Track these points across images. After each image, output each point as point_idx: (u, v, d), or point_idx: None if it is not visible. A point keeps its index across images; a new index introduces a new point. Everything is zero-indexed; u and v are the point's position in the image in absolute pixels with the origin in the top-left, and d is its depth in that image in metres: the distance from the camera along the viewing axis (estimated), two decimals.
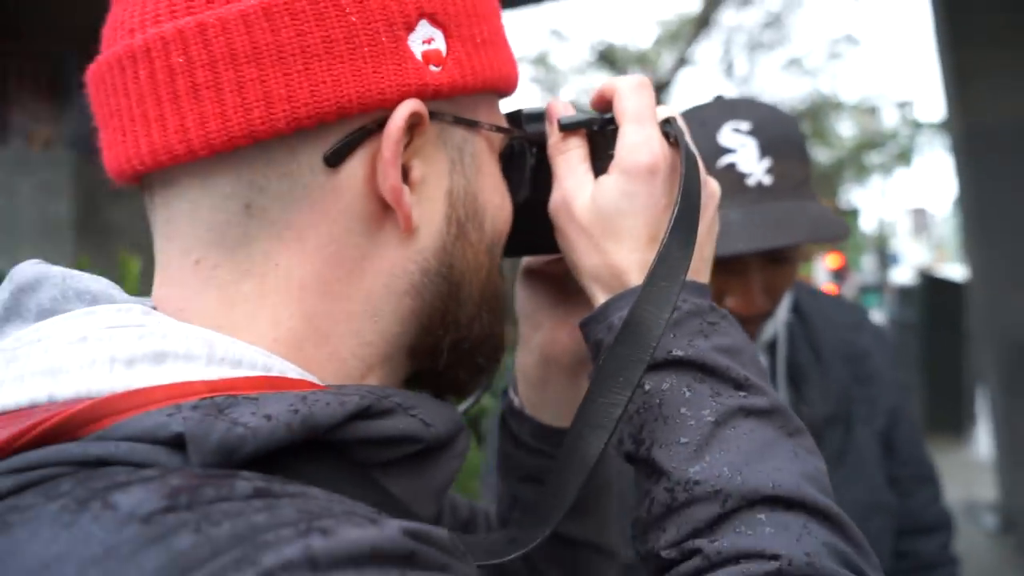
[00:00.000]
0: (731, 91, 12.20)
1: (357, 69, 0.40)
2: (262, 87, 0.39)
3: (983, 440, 6.82)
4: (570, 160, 0.53)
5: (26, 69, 7.19)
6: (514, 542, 0.47)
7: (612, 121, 0.53)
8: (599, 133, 0.53)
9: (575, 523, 0.64)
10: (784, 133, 0.91)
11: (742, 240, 0.85)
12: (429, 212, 0.45)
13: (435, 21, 0.43)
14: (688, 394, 0.46)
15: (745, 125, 0.90)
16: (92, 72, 0.43)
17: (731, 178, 0.88)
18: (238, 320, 0.41)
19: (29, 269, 0.42)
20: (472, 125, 0.47)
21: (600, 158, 0.52)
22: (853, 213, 15.82)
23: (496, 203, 0.49)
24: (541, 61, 12.31)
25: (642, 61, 12.41)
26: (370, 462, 0.40)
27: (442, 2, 0.43)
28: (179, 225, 0.42)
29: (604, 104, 0.54)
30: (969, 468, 5.93)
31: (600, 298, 0.50)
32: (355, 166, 0.42)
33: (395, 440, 0.40)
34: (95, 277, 0.43)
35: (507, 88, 0.50)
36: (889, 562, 1.04)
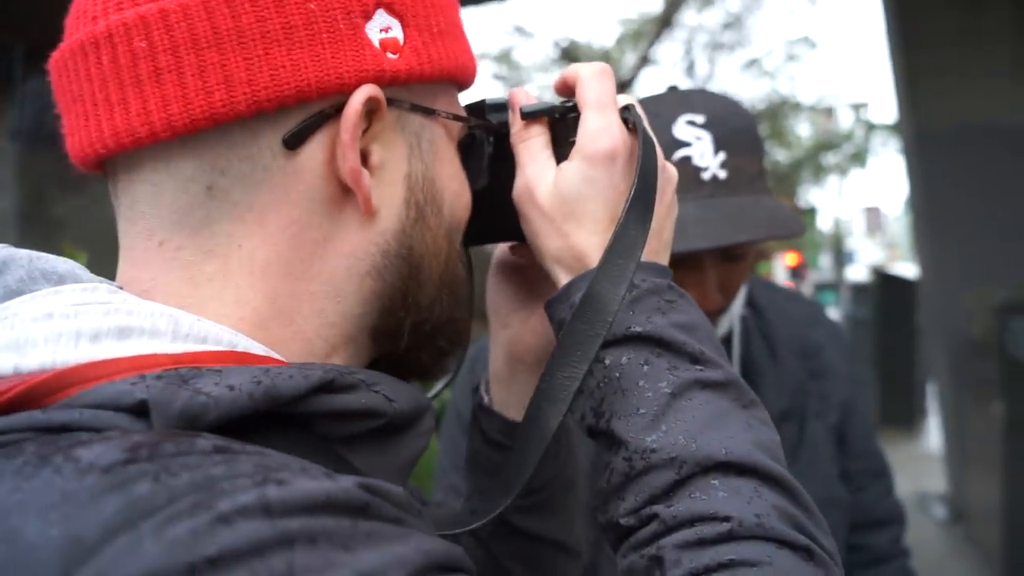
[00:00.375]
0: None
1: (316, 54, 0.42)
2: (223, 71, 0.40)
3: (933, 433, 7.01)
4: (532, 147, 0.54)
5: None
6: (476, 513, 0.48)
7: (574, 108, 0.53)
8: (561, 120, 0.54)
9: (541, 520, 0.66)
10: (739, 127, 0.90)
11: (698, 237, 0.84)
12: (389, 195, 0.46)
13: (392, 10, 0.44)
14: (646, 368, 0.47)
15: (700, 118, 0.88)
16: (55, 60, 0.44)
17: (687, 172, 0.87)
18: (203, 300, 0.43)
19: None
20: (429, 113, 0.48)
21: (562, 145, 0.53)
22: (811, 212, 16.14)
23: (454, 189, 0.51)
24: (504, 58, 12.29)
25: (605, 59, 12.47)
26: (334, 436, 0.41)
27: None
28: (143, 208, 0.43)
29: (567, 90, 0.56)
30: (920, 460, 6.09)
31: (563, 279, 0.52)
32: (315, 149, 0.43)
33: (358, 414, 0.42)
34: (61, 258, 0.44)
35: (464, 79, 0.51)
36: (842, 555, 1.05)
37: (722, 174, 0.87)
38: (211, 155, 0.42)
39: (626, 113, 0.53)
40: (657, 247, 0.53)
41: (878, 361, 7.80)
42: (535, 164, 0.53)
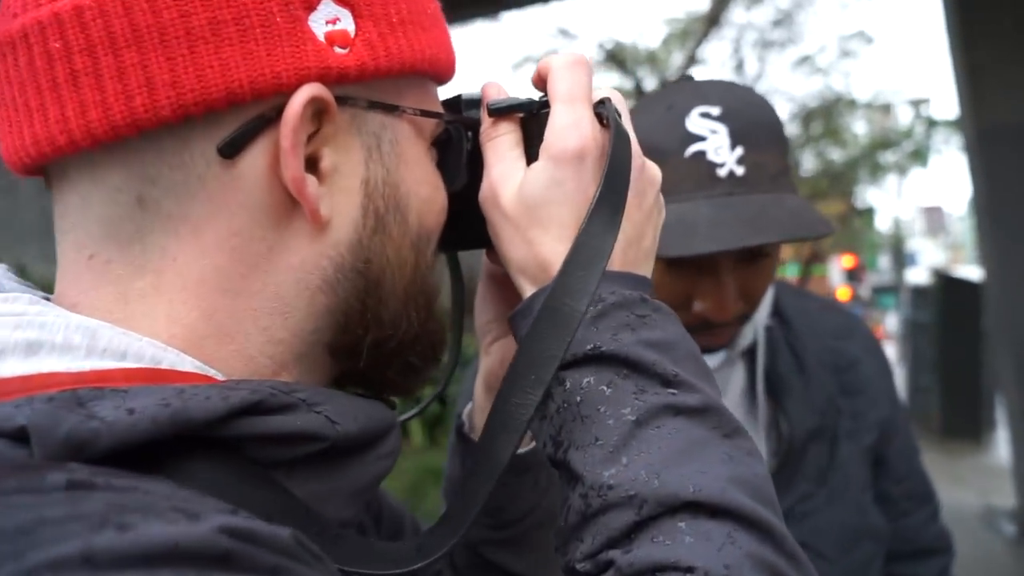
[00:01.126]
0: None
1: (248, 52, 0.38)
2: (144, 73, 0.37)
3: (1002, 445, 6.66)
4: (499, 146, 0.49)
5: None
6: (421, 550, 0.45)
7: (547, 103, 0.48)
8: (534, 117, 0.49)
9: (516, 556, 0.62)
10: (759, 119, 0.82)
11: (710, 240, 0.76)
12: (343, 204, 0.42)
13: (341, 0, 0.41)
14: (608, 391, 0.42)
15: (715, 110, 0.81)
16: None
17: (700, 168, 0.80)
18: (133, 317, 0.40)
19: None
20: (392, 110, 0.44)
21: (534, 144, 0.49)
22: (868, 212, 15.62)
23: (424, 195, 0.47)
24: None
25: (651, 60, 12.29)
26: (269, 461, 0.38)
27: None
28: (72, 219, 0.41)
29: (543, 84, 0.51)
30: (987, 474, 5.79)
31: (527, 291, 0.48)
32: (256, 156, 0.40)
33: (292, 437, 0.38)
34: None
35: (435, 71, 0.47)
36: None
37: (739, 170, 0.79)
38: (139, 164, 0.39)
39: (600, 107, 0.48)
40: (634, 256, 0.49)
41: (941, 368, 7.46)
42: (501, 164, 0.49)
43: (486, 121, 0.50)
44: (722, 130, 0.80)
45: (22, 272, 0.46)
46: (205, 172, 0.39)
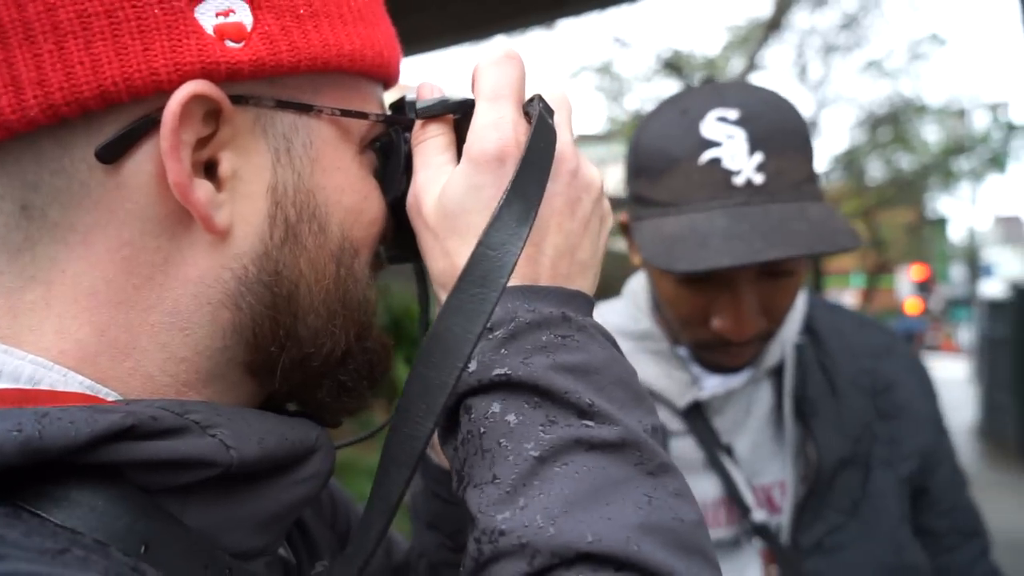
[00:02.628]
0: (806, 96, 11.77)
1: (122, 47, 0.35)
2: (8, 71, 0.35)
3: None
4: (426, 151, 0.46)
5: None
6: None
7: (474, 104, 0.45)
8: (465, 119, 0.45)
9: None
10: (780, 123, 0.77)
11: (725, 253, 0.71)
12: (245, 212, 0.39)
13: None
14: (514, 423, 0.39)
15: (733, 113, 0.76)
16: None
17: (715, 176, 0.75)
18: (20, 331, 0.38)
19: None
20: (305, 109, 0.41)
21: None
22: (940, 222, 14.94)
23: (348, 202, 0.43)
24: (605, 70, 12.13)
25: (709, 67, 12.06)
26: (156, 487, 0.36)
27: None
28: None
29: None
30: None
31: None
32: (141, 161, 0.37)
33: (176, 464, 0.35)
34: None
35: (361, 68, 0.43)
36: None
37: (758, 178, 0.74)
38: (18, 169, 0.37)
39: (528, 106, 0.44)
40: (567, 269, 0.45)
41: (1018, 386, 7.04)
42: (426, 170, 0.46)
43: (416, 124, 0.47)
44: (739, 135, 0.75)
45: None
46: (88, 178, 0.37)
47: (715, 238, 0.72)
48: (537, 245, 0.44)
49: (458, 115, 0.47)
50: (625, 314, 0.97)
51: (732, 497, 0.88)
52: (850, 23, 11.57)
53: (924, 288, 13.70)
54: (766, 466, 0.91)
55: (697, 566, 0.35)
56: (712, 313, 0.81)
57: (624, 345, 0.92)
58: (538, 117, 0.43)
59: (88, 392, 0.37)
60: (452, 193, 0.44)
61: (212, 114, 0.38)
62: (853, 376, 0.92)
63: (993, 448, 7.26)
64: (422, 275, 0.56)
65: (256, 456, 0.38)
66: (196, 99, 0.36)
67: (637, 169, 0.81)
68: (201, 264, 0.39)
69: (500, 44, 0.47)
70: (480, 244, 0.39)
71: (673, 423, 0.90)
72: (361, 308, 0.45)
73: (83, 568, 0.30)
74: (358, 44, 0.42)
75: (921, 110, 12.91)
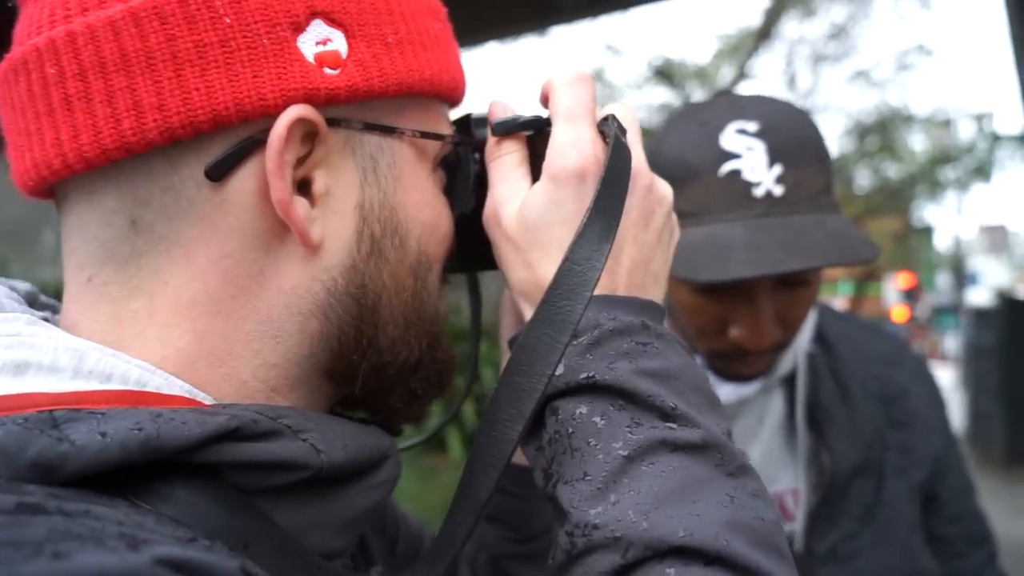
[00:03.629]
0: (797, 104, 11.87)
1: (234, 74, 0.38)
2: (132, 96, 0.38)
3: None
4: (502, 166, 0.48)
5: None
6: None
7: (550, 121, 0.47)
8: (539, 135, 0.48)
9: (538, 571, 0.62)
10: (799, 135, 0.78)
11: (744, 264, 0.72)
12: (336, 227, 0.42)
13: (332, 20, 0.40)
14: (601, 423, 0.40)
15: (752, 126, 0.77)
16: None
17: (735, 188, 0.76)
18: (125, 338, 0.40)
19: None
20: (389, 131, 0.44)
21: (539, 163, 0.47)
22: (926, 231, 15.10)
23: (425, 219, 0.46)
24: (597, 77, 12.23)
25: (700, 76, 12.15)
26: (252, 488, 0.38)
27: (341, 0, 0.41)
28: (73, 241, 0.42)
29: (547, 102, 0.50)
30: None
31: (528, 315, 0.47)
32: (245, 179, 0.40)
33: (272, 465, 0.38)
34: (3, 285, 0.44)
35: (437, 91, 0.46)
36: None
37: (778, 190, 0.75)
38: (131, 186, 0.40)
39: (604, 125, 0.46)
40: (641, 279, 0.47)
41: (1004, 393, 7.12)
42: (504, 184, 0.48)
43: (490, 140, 0.49)
44: (759, 147, 0.76)
45: (56, 291, 0.46)
46: (195, 195, 0.39)
47: (736, 249, 0.72)
48: (615, 257, 0.46)
49: (531, 132, 0.49)
50: None
51: None
52: (838, 33, 11.70)
53: (911, 296, 13.83)
54: (779, 474, 0.91)
55: (776, 563, 0.37)
56: (730, 323, 0.81)
57: None
58: (615, 137, 0.45)
59: (188, 396, 0.39)
60: (533, 207, 0.46)
61: (309, 135, 0.40)
62: (865, 384, 0.93)
63: (979, 455, 7.33)
64: (476, 287, 0.58)
65: (342, 460, 0.40)
66: (299, 122, 0.39)
67: None
68: (295, 276, 0.41)
69: (571, 67, 0.48)
70: (566, 259, 0.41)
71: None
72: (433, 320, 0.47)
73: (215, 554, 0.31)
74: (436, 69, 0.45)
75: (908, 120, 13.06)
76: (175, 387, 0.39)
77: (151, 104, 0.37)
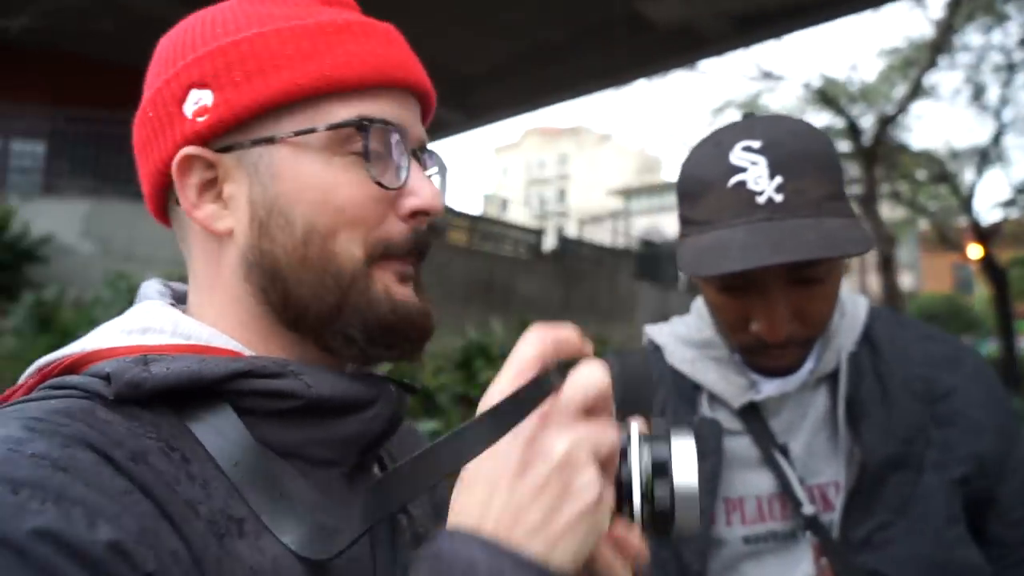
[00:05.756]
0: (982, 121, 10.86)
1: (158, 145, 0.59)
2: (144, 166, 0.62)
3: None
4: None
5: None
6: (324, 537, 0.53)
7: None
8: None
9: None
10: (800, 149, 0.87)
11: (738, 260, 0.82)
12: (241, 219, 0.58)
13: (201, 84, 0.57)
14: None
15: (757, 143, 0.87)
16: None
17: (741, 196, 0.86)
18: (205, 315, 0.61)
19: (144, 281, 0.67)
20: (269, 141, 0.57)
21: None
22: None
23: (311, 198, 0.56)
24: (751, 104, 11.84)
25: (866, 95, 11.44)
26: (261, 410, 0.55)
27: (200, 71, 0.57)
28: (185, 250, 0.63)
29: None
30: None
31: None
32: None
33: (274, 393, 0.54)
34: (155, 283, 0.65)
35: (316, 89, 0.56)
36: None
37: (778, 197, 0.85)
38: (178, 227, 0.64)
39: (551, 374, 0.44)
40: (509, 526, 0.42)
41: None
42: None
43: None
44: (762, 161, 0.86)
45: None
46: (184, 220, 0.61)
47: (734, 248, 0.82)
48: (485, 500, 0.43)
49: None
50: (692, 325, 1.07)
51: (786, 492, 0.95)
52: None
53: None
54: (822, 466, 0.97)
55: None
56: (751, 318, 0.90)
57: (689, 352, 1.03)
58: (533, 381, 0.43)
59: (234, 349, 0.58)
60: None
61: (210, 164, 0.58)
62: (907, 383, 0.96)
63: None
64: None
65: (328, 395, 0.56)
66: (185, 158, 0.57)
67: (681, 195, 0.94)
68: (231, 257, 0.59)
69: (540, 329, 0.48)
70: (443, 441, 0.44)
71: (730, 422, 0.99)
72: (337, 277, 0.57)
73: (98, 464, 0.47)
74: (297, 77, 0.56)
75: None
76: (226, 343, 0.57)
77: (148, 170, 0.61)
